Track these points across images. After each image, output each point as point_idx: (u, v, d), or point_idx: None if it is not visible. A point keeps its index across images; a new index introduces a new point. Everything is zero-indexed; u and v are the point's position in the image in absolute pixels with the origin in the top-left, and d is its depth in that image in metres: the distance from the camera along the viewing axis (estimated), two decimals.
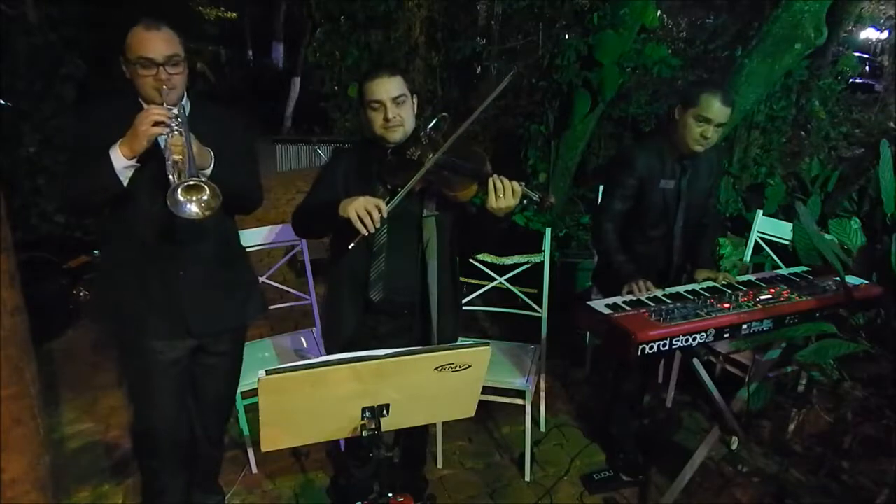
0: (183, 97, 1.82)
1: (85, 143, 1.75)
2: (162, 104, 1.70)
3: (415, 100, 1.92)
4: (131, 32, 1.71)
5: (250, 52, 14.46)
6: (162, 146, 1.69)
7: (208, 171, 1.74)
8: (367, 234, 1.70)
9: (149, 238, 1.82)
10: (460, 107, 5.26)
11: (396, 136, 1.86)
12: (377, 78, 1.84)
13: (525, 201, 1.73)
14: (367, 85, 1.85)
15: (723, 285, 2.24)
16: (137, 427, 2.10)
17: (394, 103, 1.83)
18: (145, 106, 1.75)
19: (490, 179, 1.72)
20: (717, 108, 2.21)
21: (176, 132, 1.64)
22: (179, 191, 1.57)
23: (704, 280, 2.31)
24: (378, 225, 1.71)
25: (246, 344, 2.71)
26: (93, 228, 4.06)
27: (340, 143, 4.29)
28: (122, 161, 1.67)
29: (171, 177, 1.64)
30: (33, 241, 3.28)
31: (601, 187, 3.39)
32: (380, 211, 1.70)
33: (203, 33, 12.43)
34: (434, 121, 2.03)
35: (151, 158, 1.71)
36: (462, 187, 1.78)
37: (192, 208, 1.59)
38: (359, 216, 1.69)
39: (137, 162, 1.69)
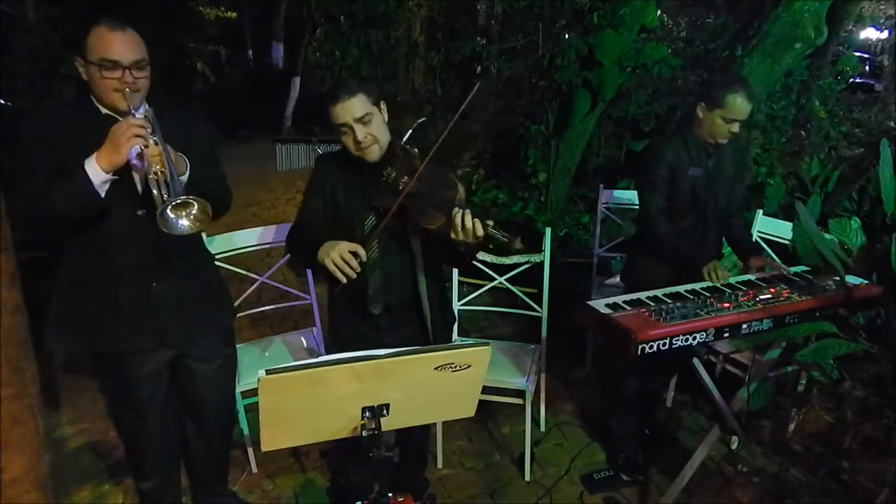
0: (144, 101, 1.76)
1: (45, 154, 1.66)
2: (128, 108, 1.65)
3: (383, 107, 1.89)
4: (93, 31, 1.63)
5: (250, 52, 14.48)
6: (132, 156, 1.64)
7: (185, 177, 1.71)
8: (345, 282, 1.71)
9: (119, 250, 1.77)
10: (459, 106, 5.27)
11: (373, 155, 1.85)
12: (338, 102, 1.78)
13: (492, 245, 1.70)
14: (330, 109, 1.81)
15: (723, 285, 2.24)
16: (122, 440, 2.08)
17: (360, 123, 1.80)
18: (102, 110, 1.72)
19: (454, 215, 1.68)
20: (743, 108, 2.27)
21: (152, 142, 1.60)
22: (169, 210, 1.54)
23: (759, 269, 2.37)
24: (358, 270, 1.71)
25: (246, 344, 2.74)
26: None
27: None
28: (101, 176, 1.61)
29: (154, 192, 1.60)
30: (33, 241, 3.27)
31: (601, 186, 3.40)
32: (357, 256, 1.70)
33: (203, 33, 12.43)
34: (409, 132, 2.02)
35: (121, 169, 1.65)
36: (433, 220, 1.77)
37: (184, 223, 1.57)
38: (336, 265, 1.69)
39: (114, 175, 1.64)
